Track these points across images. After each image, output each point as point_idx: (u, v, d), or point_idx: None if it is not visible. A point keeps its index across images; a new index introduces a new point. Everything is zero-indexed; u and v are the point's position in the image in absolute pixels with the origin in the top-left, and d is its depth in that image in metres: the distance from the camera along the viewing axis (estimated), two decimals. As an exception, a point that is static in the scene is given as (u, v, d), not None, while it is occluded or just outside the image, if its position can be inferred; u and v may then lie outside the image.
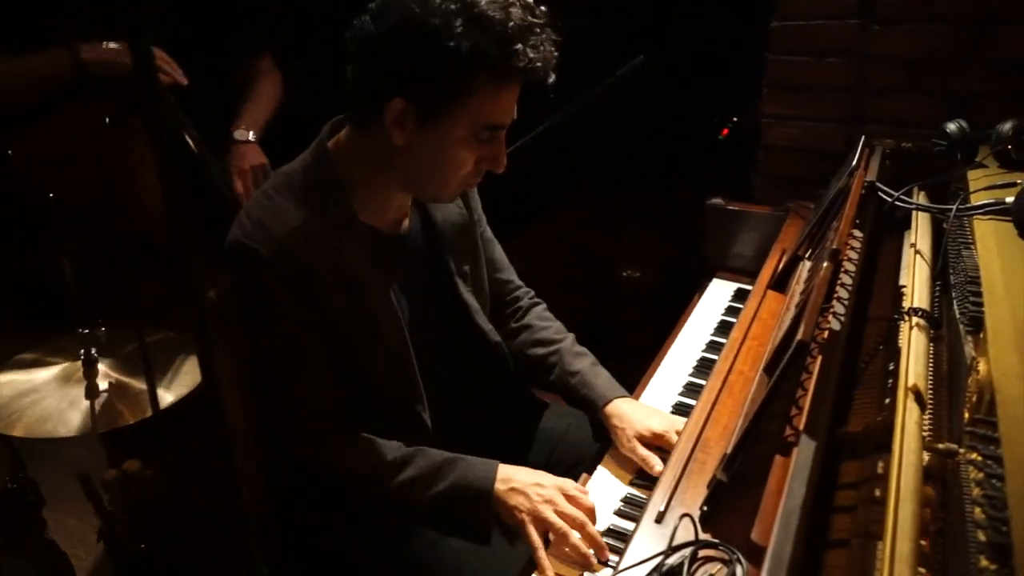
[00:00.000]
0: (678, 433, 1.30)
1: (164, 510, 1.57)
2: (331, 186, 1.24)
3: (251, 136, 1.98)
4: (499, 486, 1.22)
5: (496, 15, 1.09)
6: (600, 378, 1.48)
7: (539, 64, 1.13)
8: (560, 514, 1.16)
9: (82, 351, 1.47)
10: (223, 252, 1.22)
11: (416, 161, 1.20)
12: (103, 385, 1.47)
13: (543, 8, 1.16)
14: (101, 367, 1.50)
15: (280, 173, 1.28)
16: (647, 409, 1.41)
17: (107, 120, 1.57)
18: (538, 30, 1.13)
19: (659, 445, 1.32)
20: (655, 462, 1.28)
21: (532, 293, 1.67)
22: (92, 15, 1.70)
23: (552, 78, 1.16)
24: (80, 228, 1.60)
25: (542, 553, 1.14)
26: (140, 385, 1.49)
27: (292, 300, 1.20)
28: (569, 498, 1.19)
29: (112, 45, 1.69)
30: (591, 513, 1.18)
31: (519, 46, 1.10)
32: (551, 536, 1.15)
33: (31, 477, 1.63)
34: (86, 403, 1.44)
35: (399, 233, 1.36)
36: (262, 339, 1.24)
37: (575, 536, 1.13)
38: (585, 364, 1.51)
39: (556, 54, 1.16)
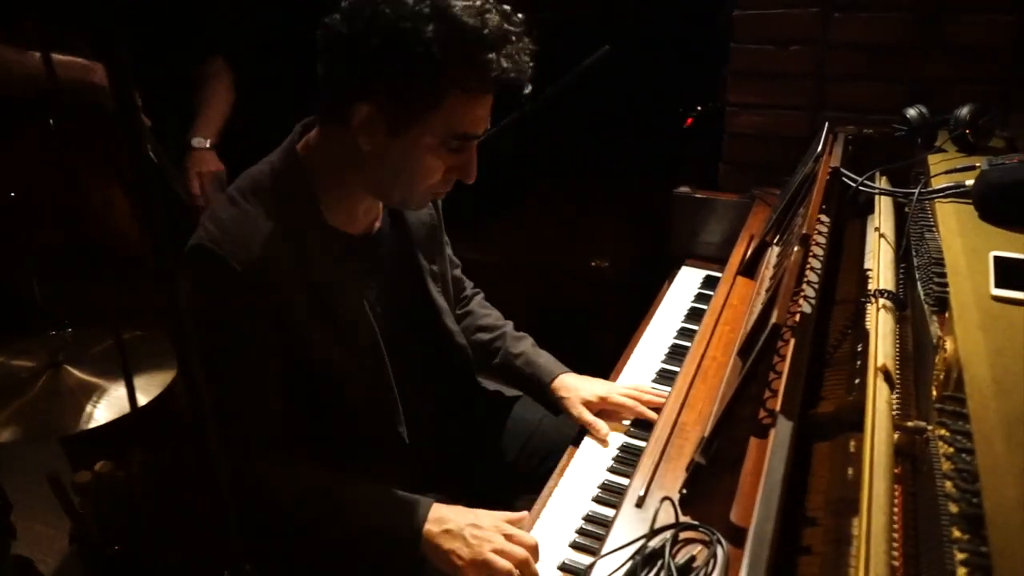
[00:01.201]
0: (622, 395, 1.43)
1: (138, 511, 1.55)
2: (300, 190, 1.20)
3: (207, 144, 1.99)
4: (431, 527, 1.16)
5: (471, 22, 1.06)
6: (543, 357, 1.57)
7: (513, 75, 1.10)
8: (501, 553, 1.10)
9: (48, 353, 1.44)
10: (183, 254, 1.16)
11: (384, 167, 1.17)
12: (71, 387, 1.44)
13: (520, 16, 1.13)
14: (69, 369, 1.47)
15: (247, 176, 1.23)
16: (589, 379, 1.51)
17: (51, 122, 1.54)
18: (514, 39, 1.10)
19: (604, 408, 1.44)
20: (601, 426, 1.39)
21: (472, 284, 1.69)
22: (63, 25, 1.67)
23: (528, 88, 1.13)
24: (43, 229, 1.56)
25: None
26: (108, 386, 1.47)
27: (252, 310, 1.15)
28: (509, 537, 1.14)
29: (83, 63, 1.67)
30: (534, 551, 1.13)
31: (493, 55, 1.07)
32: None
33: (-3, 483, 1.60)
34: (54, 405, 1.41)
35: (370, 234, 1.34)
36: (209, 342, 1.14)
37: (517, 573, 1.09)
38: (527, 346, 1.58)
39: (532, 64, 1.13)
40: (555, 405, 1.49)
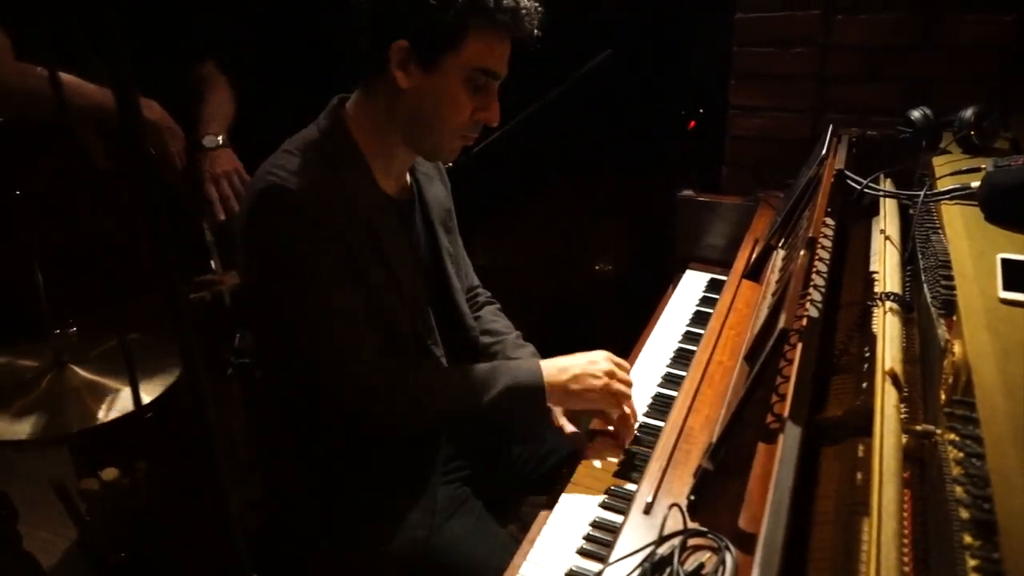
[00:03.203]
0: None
1: (144, 517, 1.55)
2: (349, 150, 1.30)
3: (220, 141, 1.94)
4: (554, 377, 1.32)
5: None
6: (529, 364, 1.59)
7: (525, 12, 1.23)
8: (624, 383, 1.34)
9: (53, 353, 1.45)
10: (251, 202, 1.23)
11: (419, 106, 1.26)
12: (76, 386, 1.45)
13: None
14: (73, 368, 1.48)
15: (298, 139, 1.30)
16: None
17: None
18: None
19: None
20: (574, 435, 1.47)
21: (489, 294, 1.72)
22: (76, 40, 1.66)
23: (538, 32, 1.26)
24: (50, 229, 1.56)
25: (629, 421, 1.35)
26: (112, 386, 1.48)
27: (327, 240, 1.23)
28: (619, 365, 1.35)
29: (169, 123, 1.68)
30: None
31: None
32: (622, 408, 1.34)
33: (1, 489, 1.59)
34: (58, 406, 1.42)
35: (404, 200, 1.41)
36: (294, 283, 1.24)
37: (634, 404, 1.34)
38: (525, 353, 1.59)
39: (539, 8, 1.26)
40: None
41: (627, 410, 1.36)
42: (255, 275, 1.29)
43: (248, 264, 1.30)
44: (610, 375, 1.33)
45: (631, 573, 0.98)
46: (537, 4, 1.26)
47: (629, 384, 1.36)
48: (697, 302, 1.90)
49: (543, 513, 1.23)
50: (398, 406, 1.31)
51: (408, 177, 1.44)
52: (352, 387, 1.29)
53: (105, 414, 1.41)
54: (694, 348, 1.58)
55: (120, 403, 1.43)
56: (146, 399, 1.41)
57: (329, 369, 1.28)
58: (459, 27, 1.20)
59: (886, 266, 1.26)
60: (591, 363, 1.34)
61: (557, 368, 1.34)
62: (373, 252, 1.29)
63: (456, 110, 1.27)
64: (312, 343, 1.26)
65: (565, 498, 1.26)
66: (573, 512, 1.23)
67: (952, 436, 0.81)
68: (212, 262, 1.90)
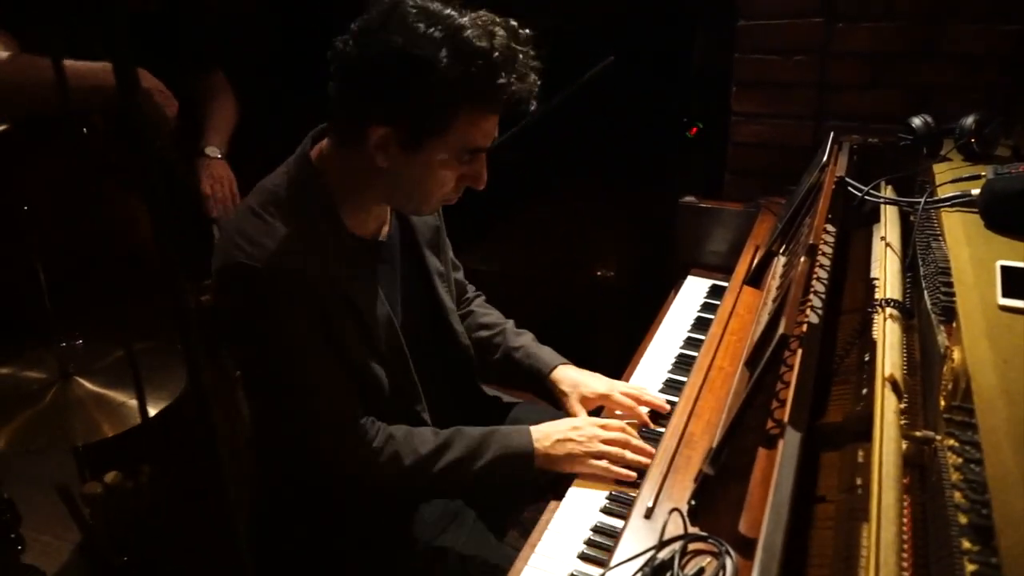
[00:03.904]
0: (622, 393, 1.46)
1: (147, 521, 1.55)
2: (318, 199, 1.23)
3: (219, 153, 2.04)
4: (540, 445, 1.30)
5: (482, 44, 1.09)
6: (543, 350, 1.59)
7: (521, 93, 1.15)
8: (608, 442, 1.30)
9: (59, 364, 1.45)
10: (218, 274, 1.19)
11: (399, 181, 1.22)
12: (81, 398, 1.45)
13: (527, 31, 1.16)
14: (79, 380, 1.48)
15: (263, 190, 1.25)
16: (590, 374, 1.52)
17: (84, 130, 1.55)
18: (521, 56, 1.14)
19: (603, 405, 1.47)
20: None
21: (473, 287, 1.71)
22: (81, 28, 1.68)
23: (533, 105, 1.18)
24: (55, 239, 1.57)
25: (615, 470, 1.28)
26: (118, 397, 1.48)
27: (298, 313, 1.19)
28: (604, 427, 1.33)
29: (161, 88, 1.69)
30: (624, 429, 1.34)
31: (503, 77, 1.11)
32: (606, 463, 1.29)
33: (5, 495, 1.60)
34: (64, 416, 1.42)
35: (379, 239, 1.36)
36: (271, 358, 1.22)
37: (629, 454, 1.29)
38: (527, 340, 1.60)
39: (538, 82, 1.18)
40: (555, 398, 1.52)
41: (619, 469, 1.30)
42: (236, 343, 1.28)
43: (230, 334, 1.28)
44: (591, 438, 1.31)
45: (632, 577, 0.98)
46: (535, 79, 1.17)
47: (617, 441, 1.32)
48: (698, 308, 1.91)
49: (544, 518, 1.24)
50: (390, 473, 1.27)
51: (388, 213, 1.39)
52: (343, 454, 1.26)
53: (111, 428, 1.41)
54: (695, 354, 1.59)
55: (126, 415, 1.44)
56: (152, 411, 1.42)
57: (319, 436, 1.26)
58: (448, 114, 1.13)
59: (886, 273, 1.26)
60: (573, 428, 1.33)
61: (542, 434, 1.32)
62: (347, 310, 1.24)
63: (440, 183, 1.22)
64: (299, 412, 1.25)
65: (565, 503, 1.26)
66: (574, 517, 1.23)
67: (951, 442, 0.82)
68: None
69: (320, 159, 1.25)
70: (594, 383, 1.49)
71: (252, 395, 1.39)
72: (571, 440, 1.30)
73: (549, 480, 1.33)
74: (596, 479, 1.30)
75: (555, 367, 1.53)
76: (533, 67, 1.17)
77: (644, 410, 1.44)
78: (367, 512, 1.34)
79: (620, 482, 1.30)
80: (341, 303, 1.23)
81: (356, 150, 1.19)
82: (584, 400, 1.47)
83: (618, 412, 1.46)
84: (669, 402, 1.48)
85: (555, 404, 1.52)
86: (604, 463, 1.29)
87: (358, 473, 1.27)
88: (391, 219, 1.39)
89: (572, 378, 1.51)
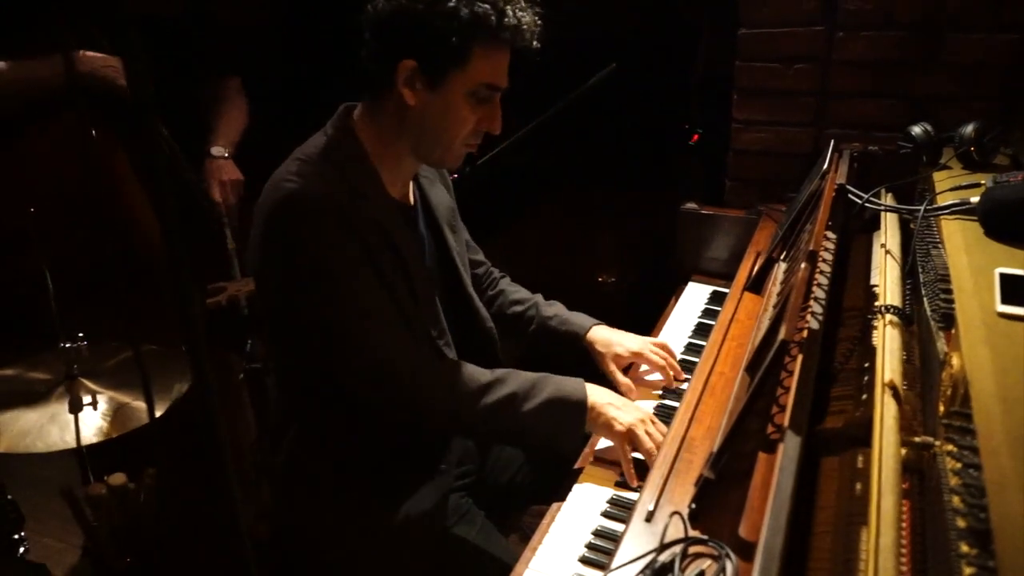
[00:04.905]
0: (653, 350, 1.58)
1: (151, 524, 1.56)
2: (356, 156, 1.32)
3: (226, 153, 2.07)
4: (596, 398, 1.34)
5: None
6: (576, 315, 1.69)
7: (525, 27, 1.27)
8: (649, 435, 1.31)
9: (64, 366, 1.46)
10: (266, 211, 1.25)
11: (425, 120, 1.31)
12: (86, 400, 1.46)
13: None
14: (83, 382, 1.49)
15: (307, 147, 1.33)
16: (623, 333, 1.63)
17: (93, 132, 1.56)
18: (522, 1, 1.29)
19: (637, 361, 1.60)
20: (631, 388, 1.53)
21: (496, 269, 1.77)
22: (89, 25, 1.70)
23: (537, 44, 1.31)
24: (62, 241, 1.58)
25: (630, 466, 1.30)
26: (123, 399, 1.49)
27: (349, 244, 1.25)
28: (653, 422, 1.35)
29: (106, 57, 1.70)
30: (661, 442, 1.32)
31: (508, 10, 1.26)
32: (631, 450, 1.31)
33: (9, 496, 1.60)
34: (68, 418, 1.43)
35: (409, 205, 1.44)
36: (328, 292, 1.25)
37: (655, 454, 1.28)
38: (559, 308, 1.69)
39: (539, 22, 1.31)
40: (593, 359, 1.60)
41: (641, 453, 1.32)
42: (277, 286, 1.30)
43: (267, 275, 1.31)
44: (637, 421, 1.32)
45: (633, 580, 0.99)
46: (536, 19, 1.31)
47: (656, 445, 1.31)
48: (699, 314, 1.92)
49: (545, 521, 1.24)
50: (442, 396, 1.32)
51: (411, 184, 1.47)
52: (401, 389, 1.29)
53: (116, 428, 1.42)
54: (696, 359, 1.60)
55: (131, 417, 1.44)
56: (156, 412, 1.42)
57: (373, 374, 1.28)
58: (464, 46, 1.25)
59: (886, 279, 1.27)
60: (626, 404, 1.37)
61: (597, 391, 1.37)
62: (388, 251, 1.31)
63: (462, 123, 1.31)
64: (353, 349, 1.27)
65: (567, 506, 1.27)
66: (575, 520, 1.24)
67: (950, 447, 0.83)
68: (235, 269, 1.95)
69: (356, 121, 1.35)
70: (628, 341, 1.59)
71: (285, 340, 1.39)
72: (619, 410, 1.33)
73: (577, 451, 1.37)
74: (609, 462, 1.34)
75: (589, 328, 1.63)
76: (532, 8, 1.30)
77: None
78: (381, 500, 1.36)
79: (620, 483, 1.31)
80: (388, 250, 1.30)
81: (386, 101, 1.30)
82: (617, 358, 1.57)
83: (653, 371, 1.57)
84: (670, 407, 1.49)
85: (592, 364, 1.59)
86: (628, 448, 1.31)
87: (410, 389, 1.30)
88: (414, 190, 1.47)
89: (606, 338, 1.61)
